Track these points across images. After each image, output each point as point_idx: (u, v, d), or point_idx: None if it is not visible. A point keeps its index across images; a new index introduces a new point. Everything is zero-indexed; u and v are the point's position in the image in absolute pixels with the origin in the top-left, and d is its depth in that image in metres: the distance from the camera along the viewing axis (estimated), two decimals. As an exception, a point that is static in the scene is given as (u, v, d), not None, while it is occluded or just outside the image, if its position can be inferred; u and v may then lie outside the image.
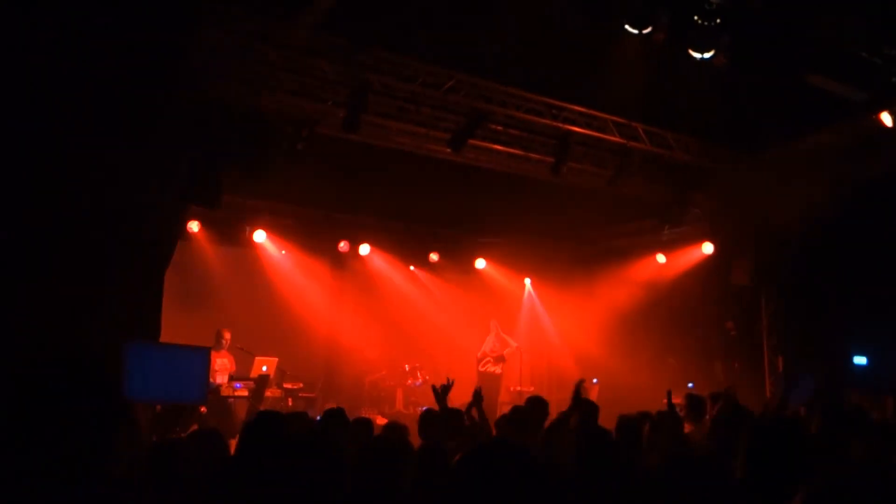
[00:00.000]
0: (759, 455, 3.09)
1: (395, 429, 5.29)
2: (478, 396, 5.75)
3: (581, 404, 5.41)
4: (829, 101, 8.82)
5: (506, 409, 10.13)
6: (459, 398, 11.32)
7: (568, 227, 14.37)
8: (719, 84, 8.32)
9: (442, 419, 5.55)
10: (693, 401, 7.14)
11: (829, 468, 2.92)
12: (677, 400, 11.57)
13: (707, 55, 7.42)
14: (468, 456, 2.27)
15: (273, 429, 3.33)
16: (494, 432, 5.89)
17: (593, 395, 13.27)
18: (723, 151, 11.33)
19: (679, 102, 9.48)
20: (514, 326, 14.76)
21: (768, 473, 2.94)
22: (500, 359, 13.09)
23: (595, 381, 13.79)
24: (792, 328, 11.36)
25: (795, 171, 10.32)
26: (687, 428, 6.54)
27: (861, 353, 11.15)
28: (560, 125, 10.16)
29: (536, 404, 6.38)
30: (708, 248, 12.49)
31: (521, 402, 8.93)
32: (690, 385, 11.92)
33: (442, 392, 5.64)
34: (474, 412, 5.76)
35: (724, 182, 11.71)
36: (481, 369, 13.00)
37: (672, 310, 13.07)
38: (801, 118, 9.42)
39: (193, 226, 11.76)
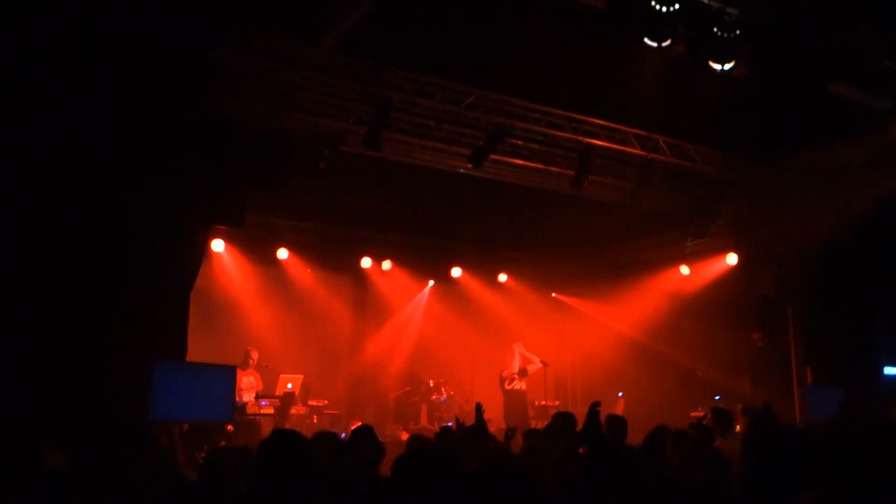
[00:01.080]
0: (761, 468, 3.07)
1: (419, 441, 5.29)
2: (478, 410, 5.76)
3: (591, 435, 5.29)
4: (852, 111, 8.76)
5: (533, 425, 10.08)
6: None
7: (590, 241, 14.33)
8: (740, 95, 8.29)
9: (462, 438, 5.53)
10: (720, 414, 7.06)
11: (842, 478, 2.86)
12: (701, 413, 11.51)
13: (727, 66, 7.40)
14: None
15: (291, 447, 3.31)
16: (522, 446, 5.86)
17: (619, 409, 13.17)
18: (745, 162, 11.27)
19: (700, 114, 9.44)
20: (538, 340, 14.70)
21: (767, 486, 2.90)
22: (523, 373, 12.98)
23: (620, 394, 13.70)
24: (820, 339, 11.22)
25: (820, 181, 10.24)
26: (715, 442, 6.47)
27: (893, 364, 11.01)
28: (581, 138, 10.17)
29: (565, 419, 6.36)
30: (732, 258, 12.39)
31: (547, 417, 8.88)
32: (717, 398, 11.81)
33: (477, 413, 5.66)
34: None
35: (747, 192, 11.63)
36: (507, 388, 12.88)
37: (697, 322, 12.96)
38: (825, 128, 9.34)
39: (218, 245, 11.86)
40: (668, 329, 13.23)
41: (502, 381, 12.89)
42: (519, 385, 12.91)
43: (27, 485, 2.99)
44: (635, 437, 5.95)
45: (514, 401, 12.63)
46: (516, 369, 12.84)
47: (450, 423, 11.16)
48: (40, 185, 7.05)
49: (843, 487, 2.80)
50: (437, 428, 12.08)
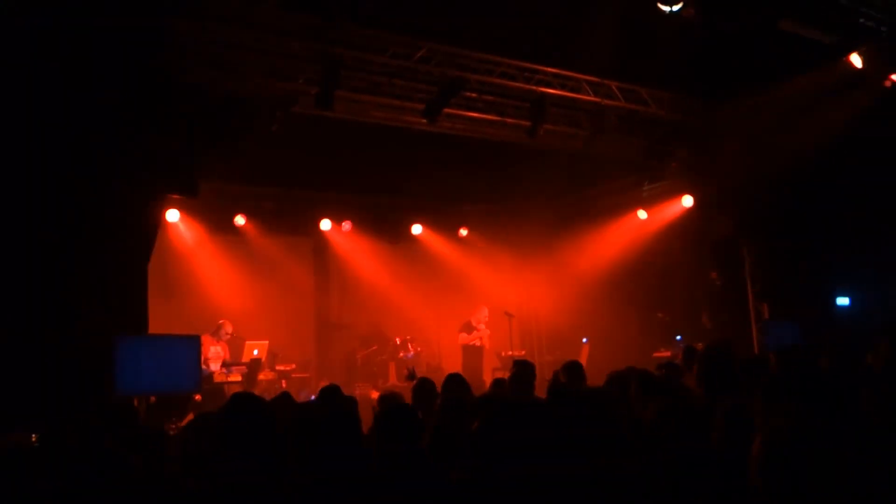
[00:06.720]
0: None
1: (390, 398, 5.36)
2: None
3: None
4: (802, 47, 8.84)
5: (498, 375, 10.22)
6: (451, 367, 11.34)
7: (549, 191, 14.38)
8: (690, 36, 8.31)
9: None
10: (688, 352, 7.24)
11: (789, 411, 3.00)
12: (668, 353, 11.74)
13: (675, 7, 7.42)
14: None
15: (249, 408, 3.37)
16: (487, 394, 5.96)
17: (584, 354, 13.41)
18: (697, 104, 11.35)
19: (652, 58, 9.45)
20: (502, 291, 14.80)
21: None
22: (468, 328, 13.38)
23: (585, 340, 13.93)
24: (775, 275, 11.47)
25: (772, 119, 10.37)
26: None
27: (843, 295, 11.31)
28: (534, 88, 10.11)
29: (525, 367, 6.44)
30: (688, 200, 12.54)
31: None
32: (678, 338, 12.07)
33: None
34: None
35: (701, 134, 11.75)
36: (463, 342, 13.23)
37: (656, 264, 13.16)
38: (776, 65, 9.42)
39: (173, 215, 11.65)
40: (629, 273, 13.40)
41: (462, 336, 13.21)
42: (476, 341, 13.21)
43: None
44: (600, 380, 6.04)
45: (469, 356, 13.02)
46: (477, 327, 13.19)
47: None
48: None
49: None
50: (406, 385, 12.16)
